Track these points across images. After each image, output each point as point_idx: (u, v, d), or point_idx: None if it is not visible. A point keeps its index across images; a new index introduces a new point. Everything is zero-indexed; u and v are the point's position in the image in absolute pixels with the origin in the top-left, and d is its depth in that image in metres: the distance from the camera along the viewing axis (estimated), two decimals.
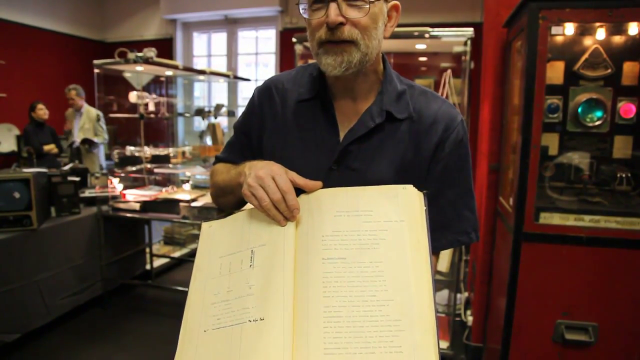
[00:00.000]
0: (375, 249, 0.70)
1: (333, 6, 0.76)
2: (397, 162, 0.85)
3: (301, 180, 0.77)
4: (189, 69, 4.10)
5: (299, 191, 0.77)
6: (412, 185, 0.75)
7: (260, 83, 0.99)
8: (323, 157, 0.87)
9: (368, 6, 0.77)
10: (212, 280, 0.76)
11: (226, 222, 0.82)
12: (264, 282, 0.70)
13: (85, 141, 4.51)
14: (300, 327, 0.65)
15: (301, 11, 0.81)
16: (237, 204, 0.95)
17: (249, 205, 0.79)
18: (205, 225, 0.84)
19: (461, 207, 0.88)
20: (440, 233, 0.85)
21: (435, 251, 0.85)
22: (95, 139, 4.56)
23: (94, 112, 4.61)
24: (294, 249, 0.71)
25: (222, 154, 1.04)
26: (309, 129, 0.89)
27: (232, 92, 6.07)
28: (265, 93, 0.96)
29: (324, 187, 0.79)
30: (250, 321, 0.67)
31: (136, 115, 3.31)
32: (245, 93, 6.52)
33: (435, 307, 0.66)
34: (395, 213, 0.73)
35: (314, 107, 0.90)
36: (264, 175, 0.75)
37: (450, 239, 0.88)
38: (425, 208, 0.73)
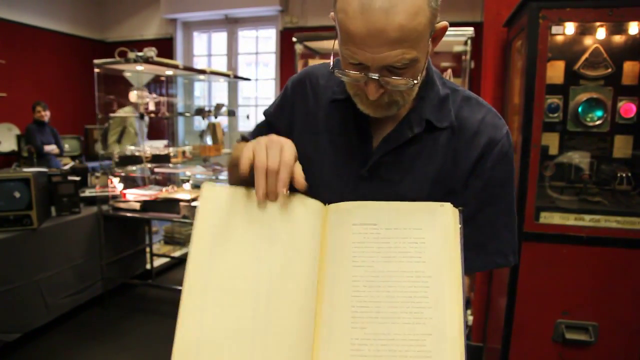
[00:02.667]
0: (407, 262, 0.66)
1: (372, 84, 0.68)
2: (432, 175, 0.78)
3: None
4: (189, 69, 4.10)
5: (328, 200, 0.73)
6: (449, 203, 0.70)
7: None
8: (354, 164, 0.81)
9: (410, 70, 0.68)
10: (217, 275, 0.67)
11: (236, 194, 0.70)
12: (285, 288, 0.66)
13: None
14: (322, 338, 0.62)
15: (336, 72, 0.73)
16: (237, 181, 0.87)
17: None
18: (207, 186, 0.70)
19: (500, 226, 0.80)
20: (476, 253, 0.78)
21: (469, 272, 0.78)
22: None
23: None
24: (319, 258, 0.68)
25: (249, 136, 0.94)
26: (340, 133, 0.83)
27: (233, 91, 6.07)
28: (299, 86, 0.90)
29: (353, 195, 0.74)
30: (270, 330, 0.63)
31: (136, 115, 3.31)
32: (246, 92, 6.50)
33: (465, 329, 0.63)
34: (432, 231, 0.68)
35: (346, 109, 0.81)
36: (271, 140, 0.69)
37: (485, 260, 0.80)
38: (460, 226, 0.68)
